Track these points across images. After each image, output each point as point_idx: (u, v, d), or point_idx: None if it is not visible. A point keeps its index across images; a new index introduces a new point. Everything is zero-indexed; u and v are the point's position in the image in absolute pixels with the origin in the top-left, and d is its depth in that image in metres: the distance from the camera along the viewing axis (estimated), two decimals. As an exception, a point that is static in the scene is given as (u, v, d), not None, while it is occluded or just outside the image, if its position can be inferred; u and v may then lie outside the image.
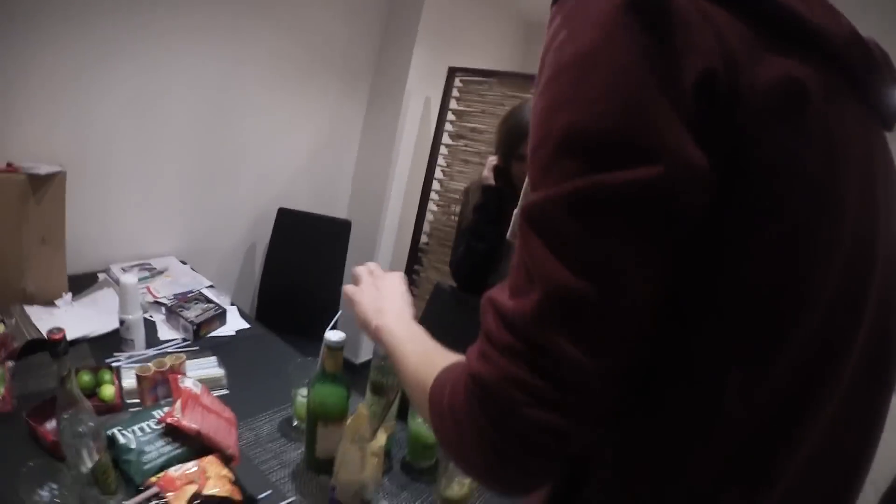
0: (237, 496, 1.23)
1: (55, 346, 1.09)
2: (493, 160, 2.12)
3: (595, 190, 0.53)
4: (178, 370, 1.57)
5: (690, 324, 0.58)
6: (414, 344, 0.92)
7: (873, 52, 0.63)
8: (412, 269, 3.68)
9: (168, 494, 1.17)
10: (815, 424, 0.63)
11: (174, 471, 1.21)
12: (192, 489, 1.18)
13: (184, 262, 2.63)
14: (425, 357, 0.85)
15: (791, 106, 0.55)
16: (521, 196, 0.86)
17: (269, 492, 1.37)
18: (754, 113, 0.53)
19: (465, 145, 3.44)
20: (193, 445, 1.32)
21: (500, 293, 0.62)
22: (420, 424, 1.52)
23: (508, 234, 1.02)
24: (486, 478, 0.64)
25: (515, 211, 0.90)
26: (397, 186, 3.65)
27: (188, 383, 1.44)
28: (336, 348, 1.33)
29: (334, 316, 1.58)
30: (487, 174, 2.11)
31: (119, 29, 2.23)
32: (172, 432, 1.32)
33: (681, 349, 0.59)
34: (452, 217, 3.45)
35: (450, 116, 3.48)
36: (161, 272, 2.44)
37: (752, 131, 0.53)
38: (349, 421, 1.28)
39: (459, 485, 1.40)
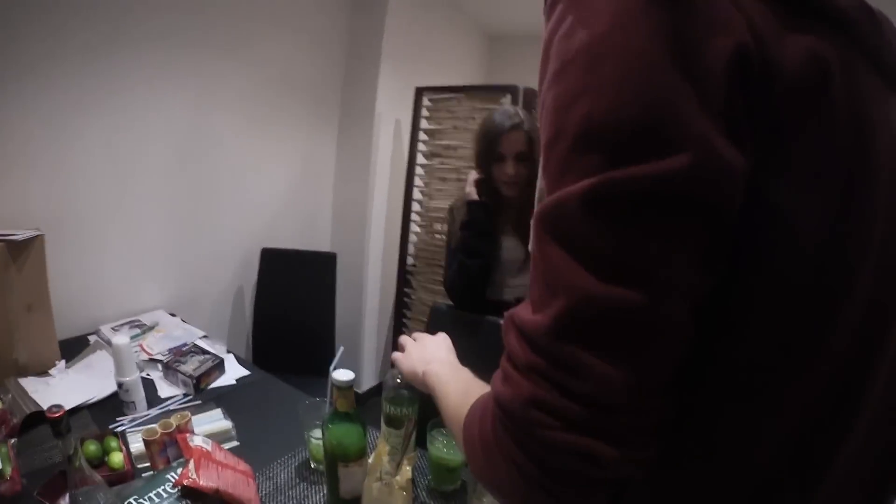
0: None
1: (56, 424, 1.05)
2: (473, 175, 2.12)
3: (617, 186, 0.48)
4: (185, 429, 1.51)
5: (729, 327, 0.54)
6: (456, 383, 0.90)
7: (877, 16, 0.59)
8: (402, 292, 3.66)
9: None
10: (863, 414, 0.60)
11: None
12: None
13: (173, 315, 2.57)
14: (464, 392, 0.81)
15: (818, 85, 0.50)
16: (536, 202, 0.83)
17: None
18: (786, 94, 0.49)
19: (441, 163, 3.43)
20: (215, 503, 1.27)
21: (522, 310, 0.57)
22: (440, 449, 1.48)
23: (531, 245, 0.98)
24: None
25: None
26: (377, 212, 3.63)
27: (198, 441, 1.39)
28: (346, 387, 1.29)
29: (336, 354, 1.53)
30: (470, 189, 2.10)
31: (85, 87, 2.19)
32: (190, 494, 1.27)
33: (720, 356, 0.55)
34: (436, 236, 3.44)
35: (422, 136, 3.48)
36: (152, 328, 2.38)
37: (786, 114, 0.49)
38: (371, 458, 1.24)
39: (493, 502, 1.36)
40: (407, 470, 1.23)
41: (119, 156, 2.38)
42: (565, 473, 0.52)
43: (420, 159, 3.52)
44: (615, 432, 0.51)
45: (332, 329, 3.08)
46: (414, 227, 3.59)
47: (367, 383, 3.93)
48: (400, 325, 3.69)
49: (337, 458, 1.33)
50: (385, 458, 1.22)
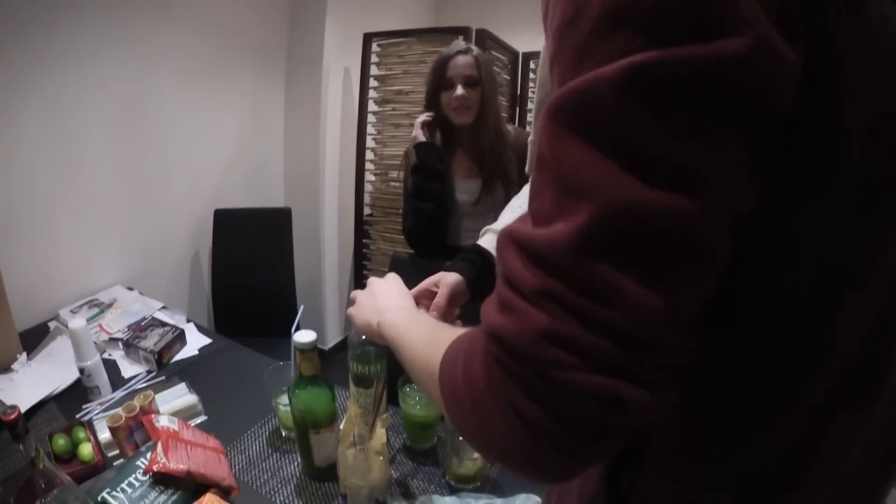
0: None
1: (13, 427, 0.97)
2: (421, 117, 2.06)
3: (663, 67, 0.38)
4: (149, 409, 1.45)
5: (772, 249, 0.46)
6: (418, 330, 0.80)
7: None
8: (361, 243, 3.60)
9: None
10: None
11: None
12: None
13: (131, 289, 2.49)
14: (432, 339, 0.67)
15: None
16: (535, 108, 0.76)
17: None
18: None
19: (393, 109, 3.35)
20: (188, 487, 1.22)
21: (522, 225, 0.47)
22: (412, 406, 1.44)
23: (527, 168, 0.89)
24: (524, 467, 0.50)
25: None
26: (331, 163, 3.53)
27: (164, 421, 1.34)
28: (309, 349, 1.23)
29: (296, 314, 1.47)
30: (417, 132, 2.06)
31: (16, 67, 2.05)
32: (162, 479, 1.22)
33: (761, 283, 0.47)
34: (391, 184, 3.37)
35: (372, 83, 3.38)
36: (110, 305, 2.30)
37: (835, 21, 0.40)
38: (342, 424, 1.19)
39: (472, 460, 1.33)
40: (381, 433, 1.17)
41: (60, 135, 2.24)
42: (583, 422, 0.43)
43: (371, 107, 3.43)
44: (647, 373, 0.43)
45: (293, 286, 3.00)
46: (369, 177, 3.51)
47: (333, 339, 3.89)
48: (361, 277, 3.63)
49: (307, 425, 1.28)
50: (357, 423, 1.17)
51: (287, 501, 1.33)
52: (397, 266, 2.18)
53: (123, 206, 2.60)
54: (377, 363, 1.29)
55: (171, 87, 2.70)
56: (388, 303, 0.97)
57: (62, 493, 1.03)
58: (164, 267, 2.91)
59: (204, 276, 3.14)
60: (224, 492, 1.24)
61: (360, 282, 3.68)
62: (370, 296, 1.03)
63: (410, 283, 2.12)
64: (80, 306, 2.27)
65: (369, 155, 3.50)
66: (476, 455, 1.32)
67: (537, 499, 1.25)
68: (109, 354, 1.95)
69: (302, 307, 1.56)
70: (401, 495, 1.33)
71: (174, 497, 1.21)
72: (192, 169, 2.95)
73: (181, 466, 1.21)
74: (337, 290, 3.82)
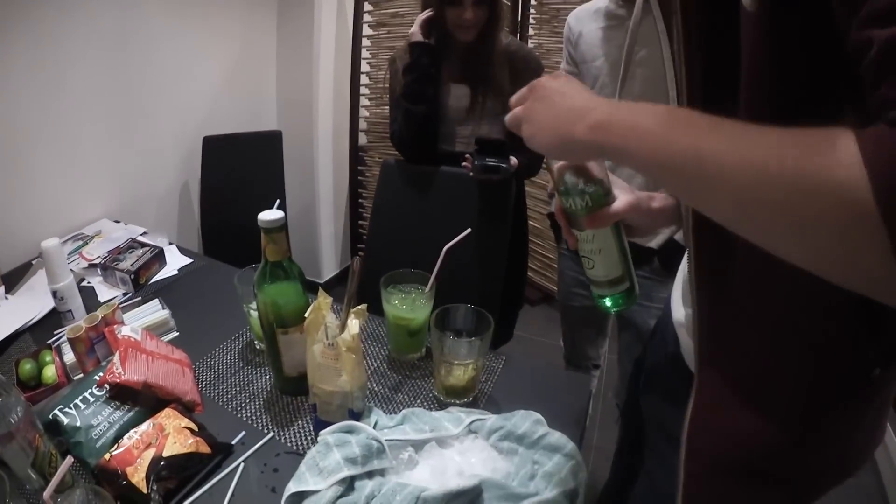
0: (204, 448, 0.98)
1: None
2: (423, 14, 1.84)
3: None
4: (112, 321, 1.29)
5: None
6: (691, 122, 0.54)
7: None
8: (356, 170, 3.40)
9: (127, 470, 0.92)
10: None
11: (129, 438, 0.97)
12: (149, 455, 0.94)
13: (117, 222, 2.29)
14: (739, 131, 0.49)
15: None
16: None
17: (242, 433, 1.08)
18: None
19: (388, 32, 3.14)
20: (147, 402, 1.07)
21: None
22: (397, 307, 1.21)
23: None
24: None
25: None
26: (325, 89, 3.26)
27: (126, 331, 1.17)
28: (275, 229, 1.00)
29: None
30: (415, 30, 1.85)
31: None
32: (119, 394, 1.06)
33: None
34: (388, 109, 3.07)
35: (367, 6, 3.16)
36: (93, 237, 2.12)
37: None
38: (308, 315, 0.95)
39: (462, 367, 1.11)
40: (354, 325, 0.94)
41: (42, 64, 2.02)
42: None
43: (366, 30, 3.19)
44: None
45: (284, 205, 2.72)
46: (364, 101, 3.31)
47: (329, 271, 3.67)
48: (357, 206, 3.43)
49: (275, 324, 1.06)
50: (326, 312, 0.94)
51: (253, 418, 1.14)
52: (387, 173, 1.98)
53: (109, 138, 2.40)
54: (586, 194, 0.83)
55: (159, 12, 2.46)
56: (588, 100, 0.66)
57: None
58: (153, 198, 2.70)
59: (194, 206, 2.92)
60: (186, 408, 1.09)
61: (355, 210, 3.47)
62: (551, 101, 0.70)
63: (402, 192, 1.97)
64: (66, 241, 2.08)
65: (364, 80, 3.26)
66: (468, 360, 1.10)
67: (537, 415, 1.04)
68: (88, 282, 1.80)
69: (278, 201, 1.37)
70: (381, 410, 1.10)
71: (131, 413, 1.06)
72: (182, 97, 2.72)
73: (137, 378, 1.05)
74: (332, 221, 3.57)
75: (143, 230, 2.13)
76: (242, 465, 1.02)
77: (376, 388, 1.20)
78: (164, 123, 2.64)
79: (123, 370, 1.05)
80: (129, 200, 2.51)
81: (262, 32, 3.13)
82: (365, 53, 3.22)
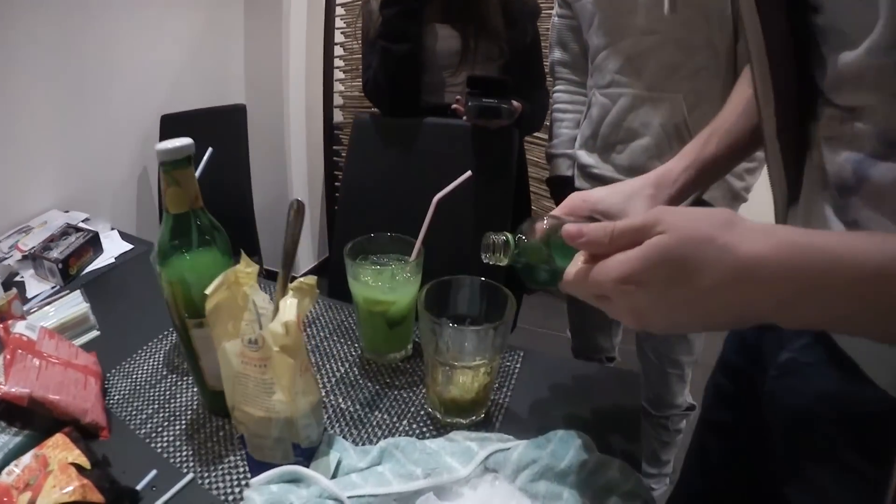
0: (94, 496, 0.64)
1: None
2: None
3: None
4: (8, 314, 1.06)
5: None
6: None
7: None
8: (332, 150, 3.02)
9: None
10: None
11: (8, 475, 0.69)
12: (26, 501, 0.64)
13: (67, 212, 2.00)
14: None
15: None
16: None
17: (153, 473, 0.71)
18: None
19: None
20: (42, 423, 0.78)
21: None
22: (370, 285, 0.82)
23: None
24: None
25: None
26: (296, 60, 2.92)
27: (20, 328, 0.90)
28: (178, 164, 0.63)
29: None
30: None
31: None
32: (8, 411, 0.78)
33: None
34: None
35: None
36: (34, 228, 1.84)
37: None
38: (212, 292, 0.56)
39: (469, 373, 0.72)
40: (289, 306, 0.55)
41: None
42: None
43: None
44: None
45: (250, 194, 2.45)
46: (338, 75, 2.94)
47: (305, 264, 3.31)
48: (334, 189, 3.06)
49: (184, 314, 0.68)
50: (252, 295, 0.55)
51: (171, 449, 0.76)
52: (360, 130, 1.59)
53: (59, 121, 2.10)
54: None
55: None
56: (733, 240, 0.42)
57: None
58: (108, 186, 2.38)
59: (153, 191, 2.57)
60: (85, 432, 0.77)
61: (333, 195, 3.09)
62: (669, 274, 0.44)
63: (380, 151, 1.51)
64: (9, 235, 1.80)
65: (338, 51, 2.91)
66: (478, 361, 0.71)
67: (583, 437, 0.67)
68: (21, 276, 1.53)
69: (210, 150, 1.02)
70: (347, 440, 0.72)
71: (18, 439, 0.76)
72: (140, 73, 2.40)
73: (20, 390, 0.77)
74: (307, 205, 3.15)
75: (84, 216, 1.83)
76: (150, 521, 0.64)
77: (342, 405, 0.81)
78: (120, 103, 2.34)
79: (5, 379, 0.77)
80: (82, 189, 2.21)
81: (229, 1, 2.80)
82: (339, 23, 2.87)
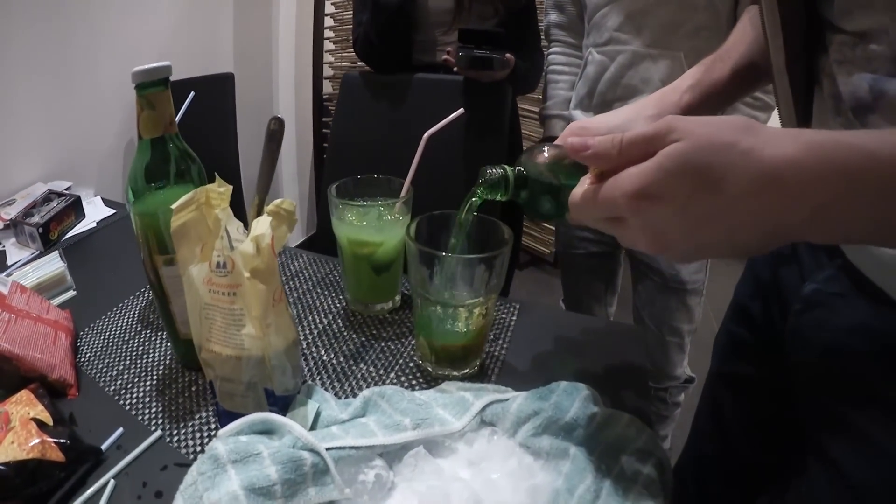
0: (54, 454, 0.57)
1: None
2: None
3: None
4: None
5: None
6: None
7: None
8: (320, 122, 2.91)
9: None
10: None
11: None
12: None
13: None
14: None
15: None
16: None
17: (119, 431, 0.64)
18: None
19: None
20: (9, 380, 0.71)
21: None
22: (355, 225, 0.74)
23: None
24: None
25: None
26: (285, 29, 2.82)
27: None
28: (152, 84, 0.59)
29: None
30: None
31: None
32: None
33: None
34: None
35: None
36: (18, 200, 1.78)
37: None
38: (178, 210, 0.48)
39: (462, 313, 0.64)
40: (262, 226, 0.47)
41: None
42: None
43: None
44: None
45: (237, 164, 2.36)
46: (329, 46, 2.83)
47: (294, 238, 3.16)
48: (322, 161, 2.94)
49: (153, 251, 0.60)
50: (223, 219, 0.47)
51: (140, 406, 0.69)
52: (348, 87, 1.50)
53: (44, 92, 2.00)
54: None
55: None
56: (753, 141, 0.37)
57: None
58: (95, 158, 2.28)
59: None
60: (52, 389, 0.71)
61: (321, 168, 2.98)
62: (693, 196, 0.38)
63: (369, 108, 1.42)
64: None
65: (329, 21, 2.79)
66: (472, 299, 0.63)
67: (588, 389, 0.59)
68: (2, 245, 1.48)
69: (192, 94, 1.00)
70: (329, 392, 0.64)
71: None
72: (126, 43, 2.29)
73: None
74: (296, 179, 3.11)
75: (67, 184, 1.78)
76: (113, 482, 0.57)
77: (324, 357, 0.73)
78: (107, 74, 2.24)
79: (-29, 329, 0.71)
80: (68, 161, 2.13)
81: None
82: (329, -10, 2.75)
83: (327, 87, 2.92)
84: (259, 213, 0.52)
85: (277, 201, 0.50)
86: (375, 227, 0.73)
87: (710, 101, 0.64)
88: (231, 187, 0.52)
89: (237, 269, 0.47)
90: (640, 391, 0.68)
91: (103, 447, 0.61)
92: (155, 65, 0.59)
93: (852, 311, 0.51)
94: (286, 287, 0.90)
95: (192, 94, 0.96)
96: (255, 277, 0.47)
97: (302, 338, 0.77)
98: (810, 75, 0.51)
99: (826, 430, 0.54)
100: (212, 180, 0.55)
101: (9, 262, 1.33)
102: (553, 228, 2.48)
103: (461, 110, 0.76)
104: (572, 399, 0.57)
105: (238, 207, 0.59)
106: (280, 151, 0.57)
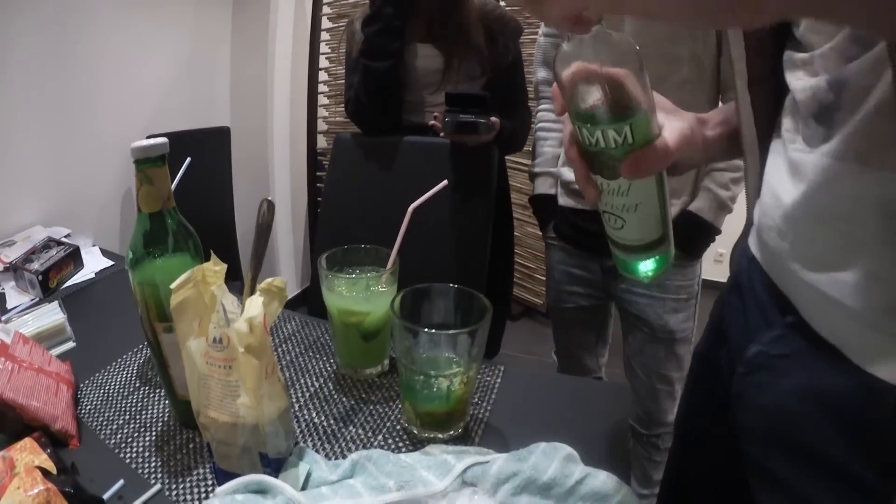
0: (59, 501, 0.61)
1: None
2: None
3: None
4: None
5: None
6: None
7: None
8: (315, 177, 2.99)
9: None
10: None
11: None
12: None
13: (49, 228, 1.99)
14: None
15: None
16: None
17: (120, 482, 0.68)
18: None
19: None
20: (12, 427, 0.76)
21: None
22: (344, 296, 0.79)
23: None
24: None
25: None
26: (280, 84, 2.91)
27: None
28: (151, 162, 0.64)
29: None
30: None
31: None
32: None
33: None
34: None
35: None
36: (17, 242, 1.82)
37: None
38: (177, 289, 0.53)
39: (444, 381, 0.68)
40: (254, 305, 0.52)
41: None
42: None
43: (325, 23, 2.83)
44: None
45: (232, 216, 2.42)
46: (323, 101, 2.93)
47: (290, 290, 3.22)
48: (316, 215, 3.00)
49: (153, 318, 0.65)
50: (220, 296, 0.52)
51: (140, 460, 0.73)
52: (340, 149, 1.57)
53: (46, 138, 2.07)
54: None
55: (104, 2, 2.15)
56: None
57: None
58: (93, 205, 2.35)
59: (136, 212, 2.48)
60: (54, 439, 0.75)
61: (315, 221, 3.04)
62: None
63: (360, 170, 1.49)
64: None
65: (323, 76, 2.89)
66: (455, 369, 0.68)
67: (567, 449, 0.64)
68: (2, 287, 1.53)
69: (189, 159, 1.05)
70: (319, 454, 0.68)
71: None
72: (126, 93, 2.37)
73: None
74: (290, 232, 3.17)
75: (66, 231, 1.81)
76: (115, 531, 0.61)
77: (315, 419, 0.77)
78: (107, 122, 2.31)
79: (-26, 378, 0.74)
80: (67, 206, 2.18)
81: (216, 24, 2.78)
82: (324, 48, 2.87)
83: (321, 142, 3.01)
84: (252, 287, 0.57)
85: (269, 280, 0.55)
86: (363, 297, 0.79)
87: (731, 143, 0.61)
88: (226, 266, 0.57)
89: (232, 345, 0.52)
90: (621, 448, 0.73)
91: (105, 497, 0.65)
92: (152, 142, 0.64)
93: (798, 372, 0.51)
94: (279, 350, 0.95)
95: (189, 159, 1.02)
96: (249, 353, 0.52)
97: (294, 400, 0.82)
98: (776, 96, 0.54)
99: (766, 491, 0.57)
100: (206, 252, 0.60)
101: (9, 306, 1.37)
102: (544, 279, 2.54)
103: (444, 182, 0.82)
104: (551, 459, 0.61)
105: (232, 257, 0.64)
106: (271, 228, 0.62)
